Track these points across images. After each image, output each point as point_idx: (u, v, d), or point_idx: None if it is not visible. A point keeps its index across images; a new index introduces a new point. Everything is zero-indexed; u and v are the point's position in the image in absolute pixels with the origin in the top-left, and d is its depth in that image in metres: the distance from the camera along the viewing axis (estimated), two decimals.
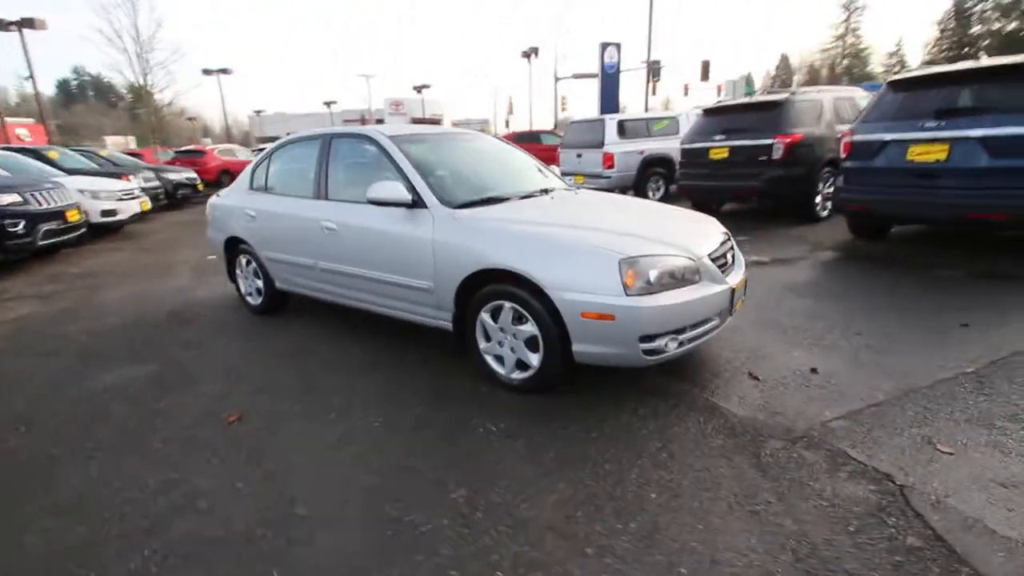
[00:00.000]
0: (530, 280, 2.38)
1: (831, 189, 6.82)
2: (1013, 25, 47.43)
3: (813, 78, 65.69)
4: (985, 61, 4.38)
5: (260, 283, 4.02)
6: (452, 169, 3.23)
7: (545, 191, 3.30)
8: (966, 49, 50.07)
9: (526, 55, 26.78)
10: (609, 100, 14.35)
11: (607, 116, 9.32)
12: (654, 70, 27.69)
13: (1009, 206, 3.89)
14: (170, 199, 11.77)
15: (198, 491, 2.00)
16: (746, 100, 7.23)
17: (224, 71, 27.58)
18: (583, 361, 2.40)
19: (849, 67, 64.30)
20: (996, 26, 49.36)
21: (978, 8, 50.72)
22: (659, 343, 2.28)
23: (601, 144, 8.81)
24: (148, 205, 9.03)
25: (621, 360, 2.35)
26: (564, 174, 7.29)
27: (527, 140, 15.54)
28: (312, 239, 3.39)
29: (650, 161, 9.12)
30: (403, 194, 2.80)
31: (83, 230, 6.98)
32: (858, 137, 4.86)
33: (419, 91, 37.07)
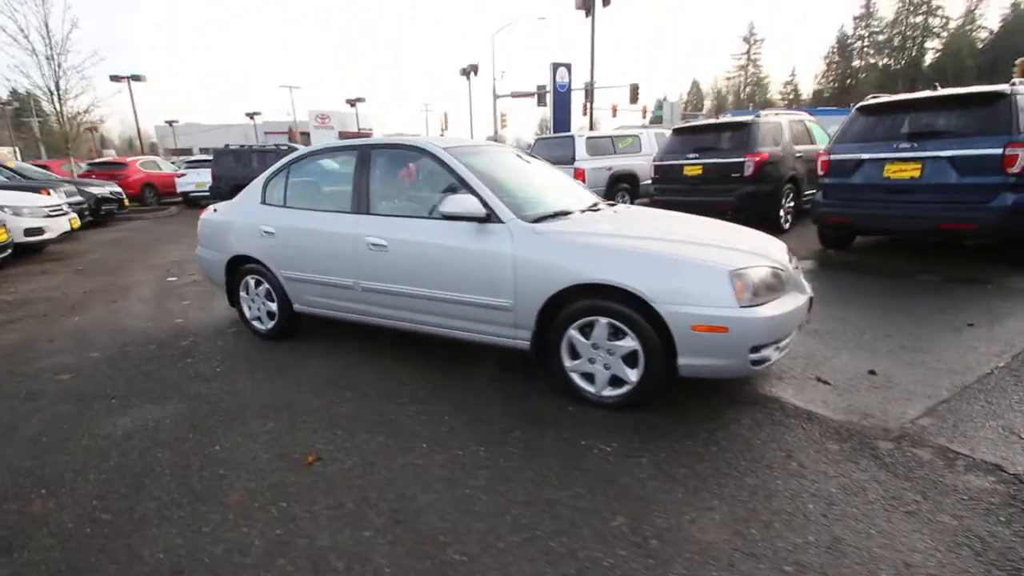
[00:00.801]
0: (635, 294, 2.34)
1: (791, 204, 7.42)
2: (886, 61, 54.54)
3: (721, 103, 71.53)
4: (942, 91, 4.96)
5: (273, 306, 3.66)
6: (509, 182, 3.14)
7: (595, 205, 3.29)
8: (849, 81, 56.76)
9: (465, 72, 26.96)
10: (561, 118, 14.74)
11: (576, 133, 9.57)
12: (588, 91, 28.96)
13: (978, 218, 4.40)
14: (93, 216, 10.52)
15: (323, 548, 1.75)
16: (715, 121, 7.69)
17: (136, 78, 25.30)
18: (687, 375, 2.39)
19: (752, 94, 70.65)
20: (872, 61, 56.49)
21: (857, 44, 57.78)
22: (765, 353, 2.32)
23: (572, 160, 9.00)
24: (78, 222, 8.03)
25: (727, 372, 2.37)
26: None
27: None
28: (352, 256, 3.14)
29: (617, 177, 9.45)
30: (477, 208, 2.68)
31: (9, 251, 6.06)
32: (835, 156, 5.31)
33: (353, 104, 36.06)
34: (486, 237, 2.72)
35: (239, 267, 3.78)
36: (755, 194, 6.87)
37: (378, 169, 3.19)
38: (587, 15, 17.60)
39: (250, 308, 3.83)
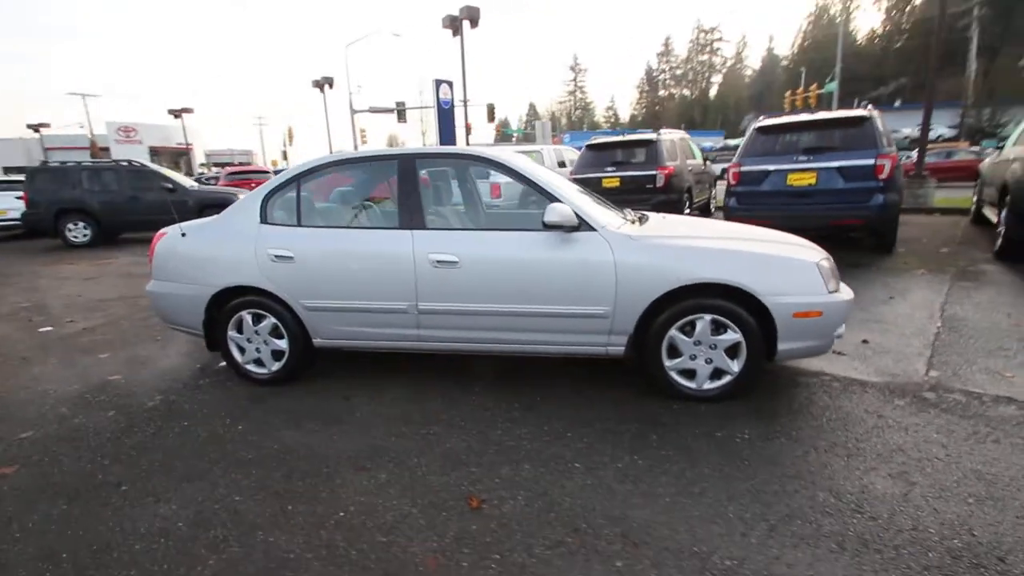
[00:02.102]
0: (742, 290, 2.54)
1: (688, 211, 8.47)
2: (684, 91, 64.86)
3: (555, 124, 78.05)
4: (822, 114, 6.18)
5: (281, 343, 3.11)
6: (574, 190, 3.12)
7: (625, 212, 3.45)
8: (657, 107, 66.30)
9: (319, 85, 25.26)
10: (447, 134, 14.75)
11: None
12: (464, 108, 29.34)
13: (862, 214, 5.56)
14: None
15: None
16: (625, 138, 8.46)
17: None
18: (782, 359, 2.66)
19: (580, 117, 78.29)
20: (673, 91, 66.80)
21: (661, 77, 67.78)
22: (840, 330, 2.69)
23: (487, 175, 9.08)
24: None
25: (815, 351, 2.69)
26: None
27: None
28: (408, 277, 2.84)
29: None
30: (572, 217, 2.65)
31: None
32: (745, 168, 6.25)
33: (177, 115, 31.38)
34: (577, 245, 2.69)
35: (226, 301, 3.14)
36: (666, 203, 7.70)
37: (431, 181, 2.94)
38: (455, 35, 17.95)
39: (243, 350, 3.19)
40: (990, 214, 6.33)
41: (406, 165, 2.97)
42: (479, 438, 2.50)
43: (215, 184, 16.28)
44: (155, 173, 10.71)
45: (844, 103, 28.40)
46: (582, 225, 2.70)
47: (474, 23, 16.70)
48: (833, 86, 27.04)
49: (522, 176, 2.86)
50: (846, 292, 2.71)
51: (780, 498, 1.96)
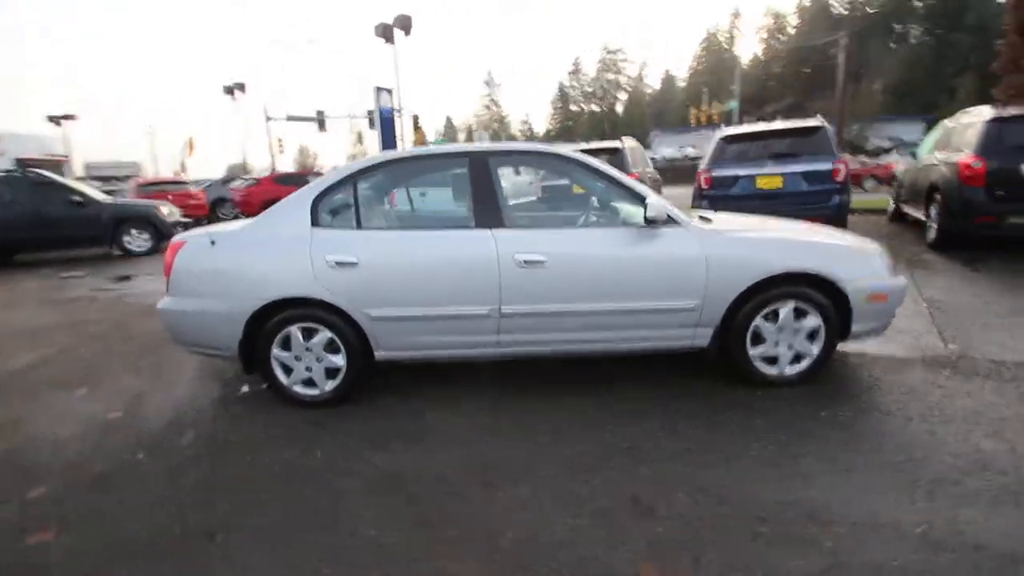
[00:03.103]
0: (824, 277, 2.68)
1: None
2: (594, 107, 68.23)
3: (471, 138, 78.75)
4: (780, 124, 6.75)
5: (337, 359, 2.81)
6: None
7: None
8: (570, 122, 69.16)
9: (229, 91, 23.40)
10: (389, 142, 14.29)
11: None
12: (372, 120, 28.60)
13: (824, 213, 6.10)
14: None
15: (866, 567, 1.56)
16: (592, 146, 8.68)
17: None
18: (853, 339, 2.84)
19: (498, 130, 79.56)
20: (584, 107, 70.06)
21: (572, 93, 70.82)
22: (896, 311, 2.93)
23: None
24: None
25: (877, 332, 2.90)
26: None
27: (293, 182, 13.95)
28: (492, 279, 2.69)
29: None
30: (664, 212, 2.66)
31: None
32: (716, 173, 6.66)
33: (58, 122, 27.60)
34: (664, 241, 2.70)
35: (268, 316, 2.78)
36: None
37: (505, 178, 2.82)
38: (387, 42, 17.56)
39: (289, 370, 2.84)
40: (914, 212, 7.23)
41: (479, 162, 2.82)
42: (592, 443, 2.40)
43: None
44: (60, 185, 9.33)
45: (742, 120, 31.41)
46: (668, 220, 2.72)
47: (407, 31, 16.46)
48: (734, 104, 29.81)
49: (603, 174, 2.83)
50: (901, 278, 2.96)
51: (917, 466, 2.07)
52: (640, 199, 2.74)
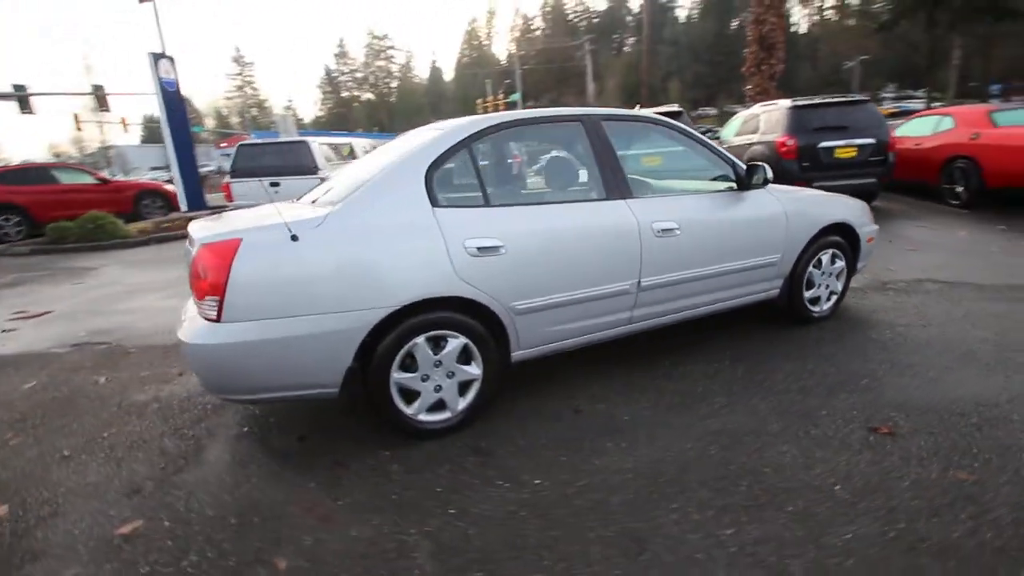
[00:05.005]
0: (850, 225, 3.28)
1: None
2: (367, 94, 65.68)
3: (223, 123, 68.03)
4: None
5: (472, 369, 2.31)
6: None
7: None
8: (343, 109, 65.35)
9: None
10: (179, 123, 11.26)
11: (309, 139, 8.09)
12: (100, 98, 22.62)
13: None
14: None
15: None
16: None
17: None
18: (857, 273, 3.54)
19: (255, 116, 70.41)
20: (356, 93, 66.89)
21: (342, 79, 66.83)
22: None
23: (314, 170, 7.67)
24: None
25: (864, 267, 3.67)
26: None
27: (35, 181, 10.21)
28: (634, 251, 2.53)
29: None
30: (770, 175, 2.90)
31: None
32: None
33: None
34: (754, 202, 2.94)
35: (386, 331, 2.11)
36: None
37: (624, 147, 2.66)
38: (142, 1, 13.82)
39: (410, 395, 2.22)
40: None
41: (594, 127, 2.59)
42: (771, 413, 2.39)
43: None
44: None
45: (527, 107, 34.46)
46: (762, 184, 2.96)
47: None
48: (517, 95, 32.40)
49: (699, 140, 2.90)
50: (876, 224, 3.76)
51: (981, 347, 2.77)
52: (731, 164, 2.92)
